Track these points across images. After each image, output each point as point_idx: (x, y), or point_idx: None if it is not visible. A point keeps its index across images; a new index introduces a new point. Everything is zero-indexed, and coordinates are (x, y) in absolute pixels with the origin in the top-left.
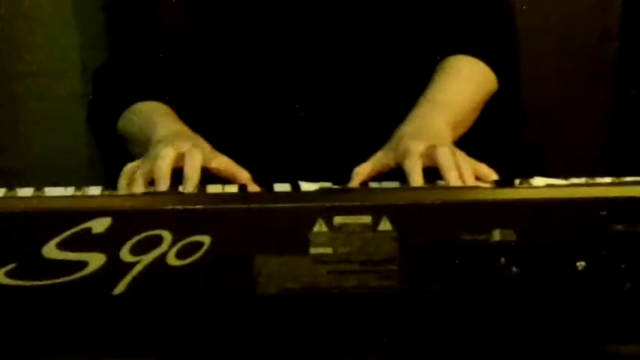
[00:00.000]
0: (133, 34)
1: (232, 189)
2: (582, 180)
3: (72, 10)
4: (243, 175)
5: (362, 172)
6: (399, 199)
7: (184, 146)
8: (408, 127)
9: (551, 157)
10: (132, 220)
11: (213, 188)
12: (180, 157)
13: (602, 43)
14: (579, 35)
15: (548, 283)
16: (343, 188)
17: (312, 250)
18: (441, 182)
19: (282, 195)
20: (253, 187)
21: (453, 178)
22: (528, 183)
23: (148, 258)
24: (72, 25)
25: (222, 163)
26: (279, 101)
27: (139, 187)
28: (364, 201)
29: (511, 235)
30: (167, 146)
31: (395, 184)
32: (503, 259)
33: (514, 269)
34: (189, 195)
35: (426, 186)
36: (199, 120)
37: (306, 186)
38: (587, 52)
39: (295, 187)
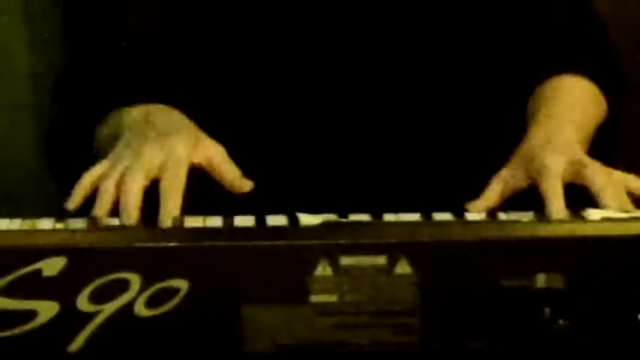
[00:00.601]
0: (102, 30)
1: (215, 222)
2: None
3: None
4: (228, 173)
5: (491, 194)
6: (420, 236)
7: (158, 155)
8: (537, 141)
9: None
10: (92, 261)
11: (192, 221)
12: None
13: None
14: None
15: (604, 339)
16: (352, 222)
17: (313, 298)
18: (471, 215)
19: (277, 230)
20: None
21: (612, 207)
22: (580, 216)
23: (111, 307)
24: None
25: (205, 156)
26: (281, 113)
27: (104, 207)
28: (377, 237)
29: (559, 281)
30: (137, 162)
31: (415, 217)
32: (548, 310)
33: (562, 322)
34: (163, 230)
35: (454, 220)
36: None
37: (307, 219)
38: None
39: (293, 220)
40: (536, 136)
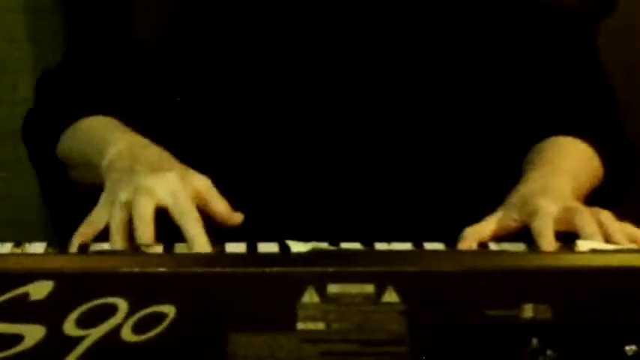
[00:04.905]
0: (97, 31)
1: (205, 249)
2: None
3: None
4: (219, 207)
5: (479, 231)
6: (408, 265)
7: (158, 185)
8: (533, 185)
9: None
10: (79, 285)
11: (181, 248)
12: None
13: None
14: None
15: None
16: (341, 250)
17: (300, 326)
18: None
19: (265, 257)
20: (233, 246)
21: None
22: (569, 247)
23: (97, 332)
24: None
25: (193, 189)
26: (277, 128)
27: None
28: (366, 266)
29: (546, 312)
30: (139, 190)
31: (406, 246)
32: (535, 341)
33: (549, 353)
34: (151, 256)
35: (444, 250)
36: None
37: (297, 246)
38: None
39: (283, 248)
40: (533, 180)
